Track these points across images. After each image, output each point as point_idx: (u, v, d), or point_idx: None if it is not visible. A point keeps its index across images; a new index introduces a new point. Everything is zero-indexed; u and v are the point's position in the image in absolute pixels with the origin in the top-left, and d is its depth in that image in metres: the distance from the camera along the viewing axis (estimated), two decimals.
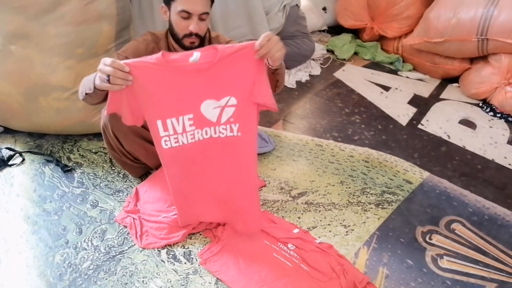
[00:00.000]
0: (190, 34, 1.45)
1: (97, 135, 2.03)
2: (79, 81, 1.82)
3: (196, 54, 1.24)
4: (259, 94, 1.30)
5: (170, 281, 1.39)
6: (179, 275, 1.42)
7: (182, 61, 1.26)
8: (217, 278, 1.41)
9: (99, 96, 1.35)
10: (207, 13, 1.44)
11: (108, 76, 1.18)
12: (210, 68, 1.26)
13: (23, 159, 1.90)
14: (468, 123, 2.47)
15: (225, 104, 1.31)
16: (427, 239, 1.63)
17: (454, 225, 1.70)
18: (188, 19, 1.41)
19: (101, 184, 1.79)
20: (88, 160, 1.93)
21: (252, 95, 1.30)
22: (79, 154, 1.96)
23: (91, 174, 1.85)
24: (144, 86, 1.25)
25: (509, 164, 2.12)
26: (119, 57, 1.48)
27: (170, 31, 1.51)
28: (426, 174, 1.99)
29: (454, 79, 2.92)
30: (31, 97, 1.83)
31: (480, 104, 2.67)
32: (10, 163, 1.87)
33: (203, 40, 1.52)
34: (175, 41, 1.51)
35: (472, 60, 2.78)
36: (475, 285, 1.46)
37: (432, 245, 1.60)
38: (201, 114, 1.32)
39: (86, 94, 1.36)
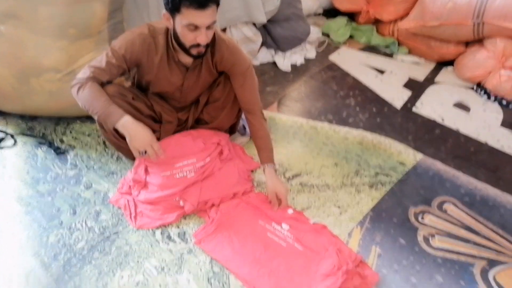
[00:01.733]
0: (198, 45, 1.41)
1: (90, 118, 2.00)
2: (72, 62, 1.82)
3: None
4: None
5: (165, 261, 1.40)
6: (174, 255, 1.42)
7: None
8: (212, 258, 1.42)
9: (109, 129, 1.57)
10: (214, 21, 1.39)
11: (145, 152, 1.48)
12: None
13: (15, 141, 1.88)
14: (462, 107, 2.48)
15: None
16: (419, 219, 1.64)
17: (446, 206, 1.72)
18: (195, 31, 1.37)
19: (94, 166, 1.79)
20: (81, 143, 1.91)
21: None
22: (72, 136, 1.95)
23: (84, 156, 1.84)
24: None
25: (502, 147, 2.13)
26: (112, 54, 1.46)
27: (175, 38, 1.46)
28: (419, 156, 2.00)
29: (449, 63, 2.91)
30: (23, 79, 1.80)
31: (475, 88, 2.67)
32: (1, 145, 1.86)
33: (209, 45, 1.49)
34: (181, 49, 1.47)
35: (467, 44, 2.78)
36: (465, 262, 1.48)
37: (424, 225, 1.62)
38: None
39: (97, 118, 1.51)
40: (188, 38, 1.40)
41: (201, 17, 1.33)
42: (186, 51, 1.46)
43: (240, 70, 1.60)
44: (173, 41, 1.49)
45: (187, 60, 1.57)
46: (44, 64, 1.78)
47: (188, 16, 1.33)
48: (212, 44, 1.54)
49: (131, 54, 1.48)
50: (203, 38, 1.38)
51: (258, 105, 1.68)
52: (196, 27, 1.36)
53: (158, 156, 1.50)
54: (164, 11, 1.40)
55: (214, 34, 1.52)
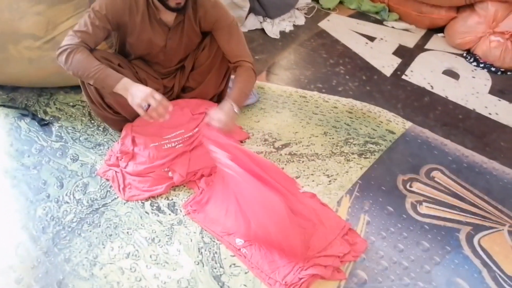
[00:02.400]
0: None
1: (74, 88, 1.95)
2: (51, 29, 1.74)
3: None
4: None
5: (155, 232, 1.40)
6: (164, 226, 1.42)
7: None
8: (202, 228, 1.42)
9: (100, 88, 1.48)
10: None
11: (148, 105, 1.33)
12: None
13: None
14: (451, 74, 2.47)
15: None
16: (407, 186, 1.66)
17: (434, 173, 1.74)
18: None
19: (80, 138, 1.75)
20: (66, 114, 1.86)
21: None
22: (56, 107, 1.89)
23: (69, 128, 1.79)
24: None
25: (489, 114, 2.15)
26: (95, 16, 1.40)
27: None
28: (408, 124, 2.00)
29: (440, 30, 2.88)
30: (0, 45, 1.72)
31: (464, 55, 2.65)
32: None
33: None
34: (160, 1, 1.42)
35: (459, 9, 2.73)
36: (452, 228, 1.51)
37: (412, 192, 1.64)
38: None
39: (92, 82, 1.41)
40: None
41: None
42: (164, 3, 1.42)
43: (225, 24, 1.56)
44: None
45: (169, 18, 1.53)
46: (21, 29, 1.70)
47: None
48: (194, 1, 1.51)
49: (113, 13, 1.43)
50: None
51: (248, 57, 1.61)
52: None
53: (165, 108, 1.36)
54: None
55: None
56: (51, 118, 1.83)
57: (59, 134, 1.76)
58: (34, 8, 1.67)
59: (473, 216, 1.57)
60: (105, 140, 1.75)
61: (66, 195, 1.51)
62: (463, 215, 1.57)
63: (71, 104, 1.92)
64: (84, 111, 1.88)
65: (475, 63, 2.57)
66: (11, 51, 1.74)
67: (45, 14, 1.70)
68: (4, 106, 1.86)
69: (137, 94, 1.35)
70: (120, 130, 1.72)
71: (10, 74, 1.84)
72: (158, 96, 1.35)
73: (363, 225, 1.49)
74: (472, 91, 2.31)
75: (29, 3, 1.66)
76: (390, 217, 1.53)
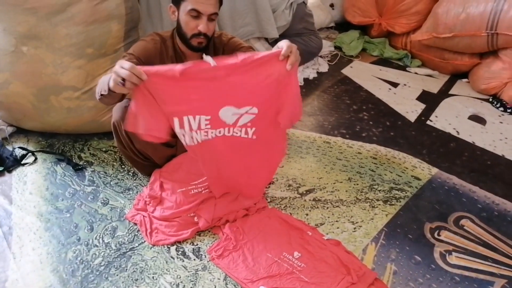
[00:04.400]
0: (198, 34, 1.46)
1: (107, 134, 2.06)
2: (90, 80, 1.88)
3: (211, 61, 1.22)
4: (286, 113, 1.37)
5: (180, 277, 1.41)
6: (189, 271, 1.44)
7: (199, 70, 1.24)
8: (226, 274, 1.42)
9: (114, 97, 1.39)
10: (216, 14, 1.45)
11: (124, 79, 1.18)
12: (231, 75, 1.25)
13: (36, 158, 1.94)
14: (477, 119, 2.45)
15: (245, 112, 1.36)
16: (435, 235, 1.62)
17: (463, 221, 1.69)
18: (197, 19, 1.43)
19: (111, 182, 1.82)
20: (99, 159, 1.96)
21: (277, 109, 1.35)
22: (90, 153, 2.00)
23: (101, 173, 1.88)
24: (162, 89, 1.26)
25: None
26: (129, 58, 1.52)
27: (178, 31, 1.53)
28: (434, 170, 1.98)
29: (464, 75, 2.89)
30: (43, 97, 1.87)
31: (490, 100, 2.64)
32: (23, 162, 1.91)
33: (209, 41, 1.54)
34: (183, 41, 1.53)
35: (482, 55, 2.75)
36: (484, 281, 1.45)
37: (441, 241, 1.60)
38: (219, 117, 1.35)
39: (101, 95, 1.37)
40: (190, 26, 1.46)
41: (204, 3, 1.41)
42: (188, 43, 1.50)
43: (244, 47, 1.63)
44: (179, 43, 1.56)
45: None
46: (63, 82, 1.84)
47: (192, 1, 1.41)
48: (214, 44, 1.62)
49: (145, 57, 1.53)
50: (204, 26, 1.44)
51: None
52: (198, 14, 1.42)
53: (138, 74, 1.20)
54: (170, 4, 1.49)
55: (214, 36, 1.59)
56: (85, 163, 1.93)
57: (92, 178, 1.84)
58: (75, 62, 1.82)
59: (507, 268, 1.50)
60: (134, 184, 1.82)
61: (96, 238, 1.56)
62: (497, 267, 1.50)
63: (103, 149, 2.02)
64: (115, 156, 1.97)
65: (502, 108, 2.54)
66: (52, 102, 1.88)
67: (85, 68, 1.84)
68: (43, 151, 1.98)
69: (112, 77, 1.22)
70: (149, 175, 1.78)
71: (50, 122, 1.97)
72: (126, 64, 1.20)
73: (389, 274, 1.45)
74: (500, 137, 2.28)
75: (71, 58, 1.81)
76: (418, 267, 1.49)
